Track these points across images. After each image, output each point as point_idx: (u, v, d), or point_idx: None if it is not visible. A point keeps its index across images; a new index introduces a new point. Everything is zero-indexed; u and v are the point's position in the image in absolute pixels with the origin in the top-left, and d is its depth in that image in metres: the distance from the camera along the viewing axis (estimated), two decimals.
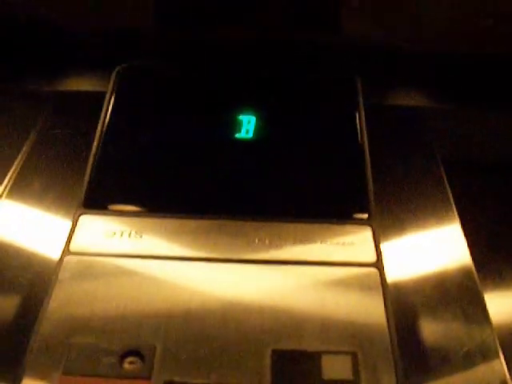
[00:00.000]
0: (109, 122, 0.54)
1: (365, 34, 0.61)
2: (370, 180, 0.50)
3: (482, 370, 0.43)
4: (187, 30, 0.61)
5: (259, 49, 0.61)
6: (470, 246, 0.51)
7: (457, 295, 0.47)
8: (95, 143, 0.52)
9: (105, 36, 0.61)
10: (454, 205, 0.53)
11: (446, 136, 0.60)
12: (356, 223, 0.48)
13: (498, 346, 0.44)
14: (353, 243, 0.47)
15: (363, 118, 0.54)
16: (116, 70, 0.57)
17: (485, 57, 0.63)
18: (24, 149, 0.54)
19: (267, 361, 0.40)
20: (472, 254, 0.50)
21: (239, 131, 0.53)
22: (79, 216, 0.48)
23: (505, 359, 0.43)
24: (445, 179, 0.55)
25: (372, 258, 0.46)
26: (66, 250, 0.45)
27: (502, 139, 0.62)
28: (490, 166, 0.60)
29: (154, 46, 0.61)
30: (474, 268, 0.49)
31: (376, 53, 0.61)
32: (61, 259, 0.45)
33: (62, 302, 0.42)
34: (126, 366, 0.39)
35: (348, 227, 0.48)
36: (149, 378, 0.39)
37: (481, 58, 0.63)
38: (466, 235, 0.51)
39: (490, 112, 0.63)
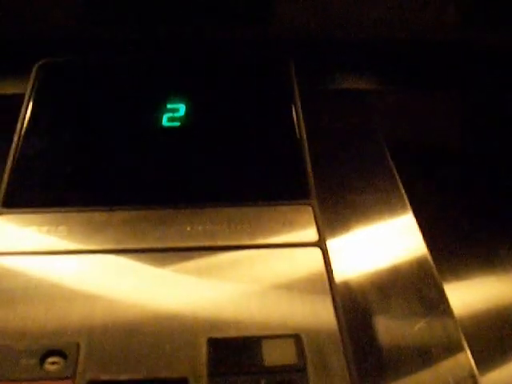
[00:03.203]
0: (29, 120, 0.50)
1: (300, 22, 0.59)
2: (308, 160, 0.47)
3: (447, 364, 0.40)
4: (112, 27, 0.58)
5: (190, 37, 0.59)
6: (421, 229, 0.48)
7: (411, 281, 0.45)
8: (14, 142, 0.49)
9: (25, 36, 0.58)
10: (401, 186, 0.51)
11: (389, 118, 0.58)
12: (295, 203, 0.45)
13: (463, 338, 0.41)
14: (292, 224, 0.44)
15: (298, 101, 0.52)
16: (35, 66, 0.54)
17: (424, 42, 0.62)
18: None
19: (203, 350, 0.37)
20: (424, 237, 0.48)
21: (168, 119, 0.50)
22: None
23: (470, 352, 0.41)
24: (390, 161, 0.52)
25: (313, 237, 0.43)
26: None
27: (444, 121, 0.60)
28: (434, 149, 0.58)
29: (76, 43, 0.58)
30: (428, 252, 0.47)
31: (312, 40, 0.59)
32: None
33: None
34: (48, 366, 0.36)
35: (287, 208, 0.45)
36: (72, 377, 0.35)
37: (420, 43, 0.62)
38: (416, 217, 0.49)
39: (431, 95, 0.61)
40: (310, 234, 0.43)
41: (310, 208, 0.45)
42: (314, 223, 0.44)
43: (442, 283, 0.45)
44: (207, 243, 0.42)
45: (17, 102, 0.52)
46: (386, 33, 0.62)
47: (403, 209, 0.49)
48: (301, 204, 0.45)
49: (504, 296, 0.50)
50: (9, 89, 0.59)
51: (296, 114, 0.51)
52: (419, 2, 0.61)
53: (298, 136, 0.49)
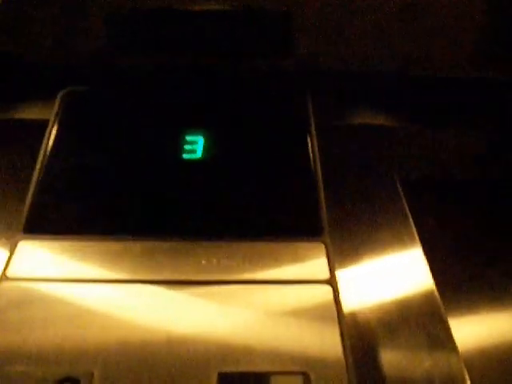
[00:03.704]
0: (52, 147, 0.52)
1: (316, 56, 0.60)
2: (322, 197, 0.49)
3: None
4: (136, 55, 0.60)
5: (207, 70, 0.60)
6: (431, 265, 0.49)
7: (418, 317, 0.46)
8: (37, 168, 0.50)
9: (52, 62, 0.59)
10: (411, 222, 0.52)
11: (403, 155, 0.59)
12: (308, 240, 0.46)
13: (466, 374, 0.42)
14: (305, 261, 0.45)
15: (314, 136, 0.53)
16: (60, 94, 0.56)
17: (436, 78, 0.63)
18: None
19: None
20: (433, 273, 0.48)
21: (187, 152, 0.52)
22: (19, 241, 0.45)
23: None
24: (402, 196, 0.53)
25: (325, 274, 0.44)
26: (3, 276, 0.43)
27: (458, 158, 0.61)
28: (447, 186, 0.58)
29: (101, 72, 0.59)
30: (435, 288, 0.47)
31: (327, 74, 0.60)
32: None
33: None
34: None
35: (299, 245, 0.46)
36: None
37: (434, 78, 0.63)
38: (426, 253, 0.50)
39: (444, 130, 0.62)
40: (322, 271, 0.44)
41: (323, 245, 0.46)
42: (326, 261, 0.45)
43: (447, 320, 0.45)
44: (221, 277, 0.44)
45: (42, 127, 0.54)
46: (404, 67, 0.63)
47: (413, 246, 0.50)
48: (314, 241, 0.46)
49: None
50: (34, 114, 0.60)
51: (312, 149, 0.52)
52: (436, 37, 0.62)
53: (314, 172, 0.50)
